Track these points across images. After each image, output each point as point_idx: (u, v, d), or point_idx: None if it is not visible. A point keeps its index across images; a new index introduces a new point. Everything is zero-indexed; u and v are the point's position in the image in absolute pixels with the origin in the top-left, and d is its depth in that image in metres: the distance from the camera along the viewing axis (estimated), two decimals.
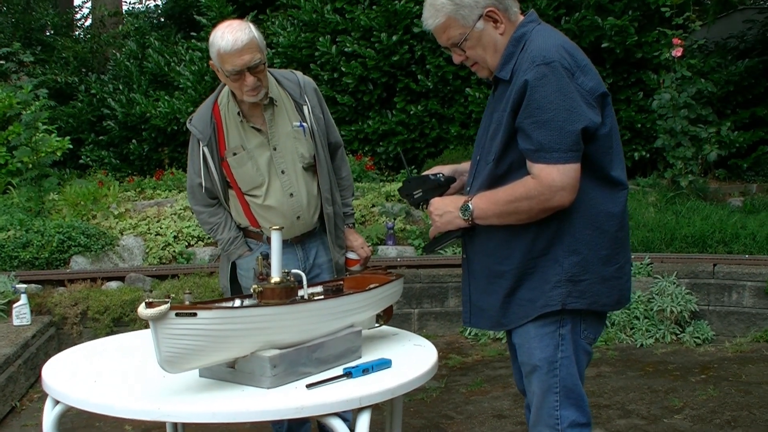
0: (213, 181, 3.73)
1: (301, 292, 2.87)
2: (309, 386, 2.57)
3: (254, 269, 2.84)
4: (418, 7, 9.60)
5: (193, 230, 7.80)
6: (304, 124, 3.74)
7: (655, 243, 7.38)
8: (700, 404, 5.21)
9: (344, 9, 10.59)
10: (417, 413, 5.23)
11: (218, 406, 2.45)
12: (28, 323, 6.17)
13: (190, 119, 3.75)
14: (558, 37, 2.77)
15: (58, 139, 9.50)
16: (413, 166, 10.02)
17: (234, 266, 3.85)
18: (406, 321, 7.04)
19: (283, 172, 3.70)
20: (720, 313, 6.72)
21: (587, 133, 2.63)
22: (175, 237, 7.81)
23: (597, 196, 2.72)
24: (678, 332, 6.61)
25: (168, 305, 2.37)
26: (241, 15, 11.14)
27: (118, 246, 7.66)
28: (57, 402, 2.70)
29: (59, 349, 5.15)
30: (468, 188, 2.91)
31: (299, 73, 3.85)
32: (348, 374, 2.68)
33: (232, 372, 2.64)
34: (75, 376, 2.80)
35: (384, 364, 2.80)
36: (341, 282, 3.23)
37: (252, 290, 2.76)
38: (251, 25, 3.51)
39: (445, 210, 2.87)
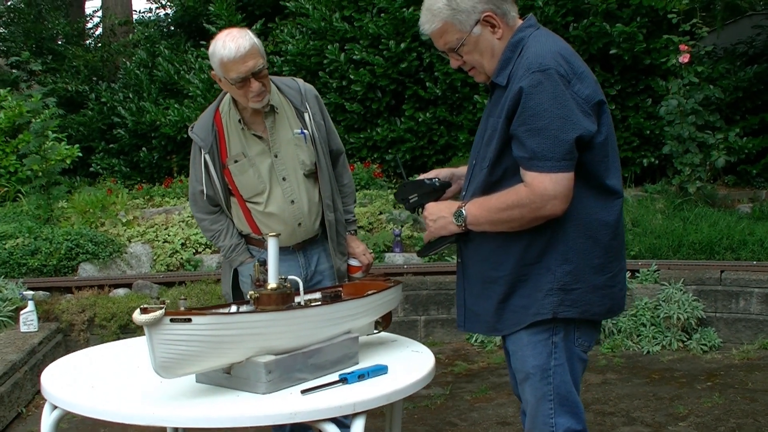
0: (215, 189, 3.75)
1: (298, 299, 2.89)
2: (304, 392, 2.58)
3: (251, 275, 2.85)
4: None
5: (201, 238, 7.83)
6: (305, 131, 3.74)
7: (662, 250, 7.36)
8: (705, 412, 5.19)
9: (353, 17, 10.62)
10: (421, 420, 5.23)
11: (212, 410, 2.47)
12: (35, 330, 6.21)
13: (192, 127, 3.77)
14: (555, 43, 2.73)
15: (67, 147, 9.57)
16: (416, 174, 10.00)
17: (236, 273, 3.86)
18: (413, 328, 7.04)
19: (284, 179, 3.71)
20: (727, 320, 6.70)
21: (582, 141, 2.61)
22: (182, 244, 7.84)
23: (591, 204, 2.70)
24: (685, 339, 6.59)
25: (163, 311, 2.39)
26: (250, 23, 11.21)
27: (126, 253, 7.70)
28: (55, 407, 2.72)
29: None
30: (463, 193, 2.91)
31: (300, 81, 3.87)
32: (343, 380, 2.69)
33: (228, 378, 2.66)
34: (74, 381, 2.82)
35: (380, 370, 2.81)
36: (340, 288, 3.24)
37: (249, 296, 2.78)
38: (249, 32, 3.53)
39: (440, 215, 2.87)
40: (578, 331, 2.78)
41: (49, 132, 9.11)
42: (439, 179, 3.06)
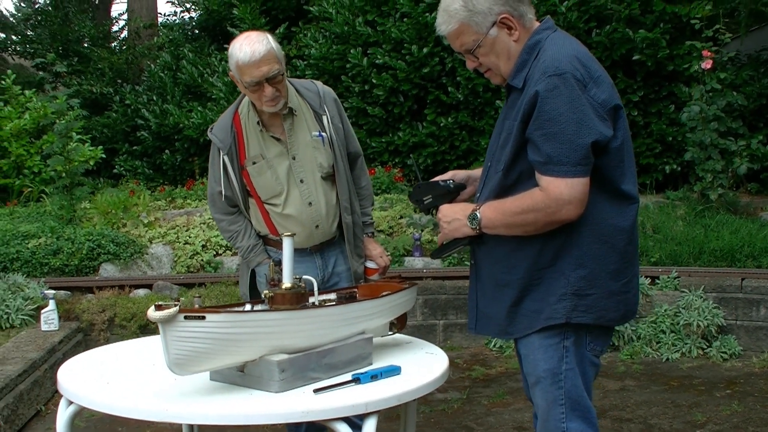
0: (233, 190, 3.77)
1: (312, 299, 2.90)
2: (316, 391, 2.59)
3: (266, 275, 2.87)
4: None
5: (221, 240, 7.87)
6: (323, 133, 3.76)
7: (683, 256, 7.31)
8: (724, 419, 5.15)
9: (375, 21, 10.65)
10: (437, 423, 5.23)
11: (226, 408, 2.48)
12: (56, 329, 6.26)
13: (211, 128, 3.81)
14: (572, 47, 2.72)
15: (91, 148, 9.66)
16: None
17: (254, 274, 3.88)
18: (432, 332, 7.04)
19: (302, 181, 3.73)
20: (748, 328, 6.65)
21: (598, 146, 2.60)
22: (203, 246, 7.88)
23: (606, 209, 2.69)
24: (705, 347, 6.54)
25: (177, 308, 2.41)
26: (273, 27, 11.27)
27: (147, 254, 7.75)
28: (71, 402, 2.75)
29: None
30: (478, 195, 2.91)
31: (319, 83, 3.89)
32: (356, 380, 2.70)
33: (242, 376, 2.67)
34: (90, 377, 2.84)
35: (393, 370, 2.81)
36: (355, 289, 3.25)
37: (263, 295, 2.80)
38: (269, 36, 3.56)
39: (454, 217, 2.87)
40: (590, 335, 2.77)
41: (73, 133, 9.21)
42: (453, 181, 3.06)
